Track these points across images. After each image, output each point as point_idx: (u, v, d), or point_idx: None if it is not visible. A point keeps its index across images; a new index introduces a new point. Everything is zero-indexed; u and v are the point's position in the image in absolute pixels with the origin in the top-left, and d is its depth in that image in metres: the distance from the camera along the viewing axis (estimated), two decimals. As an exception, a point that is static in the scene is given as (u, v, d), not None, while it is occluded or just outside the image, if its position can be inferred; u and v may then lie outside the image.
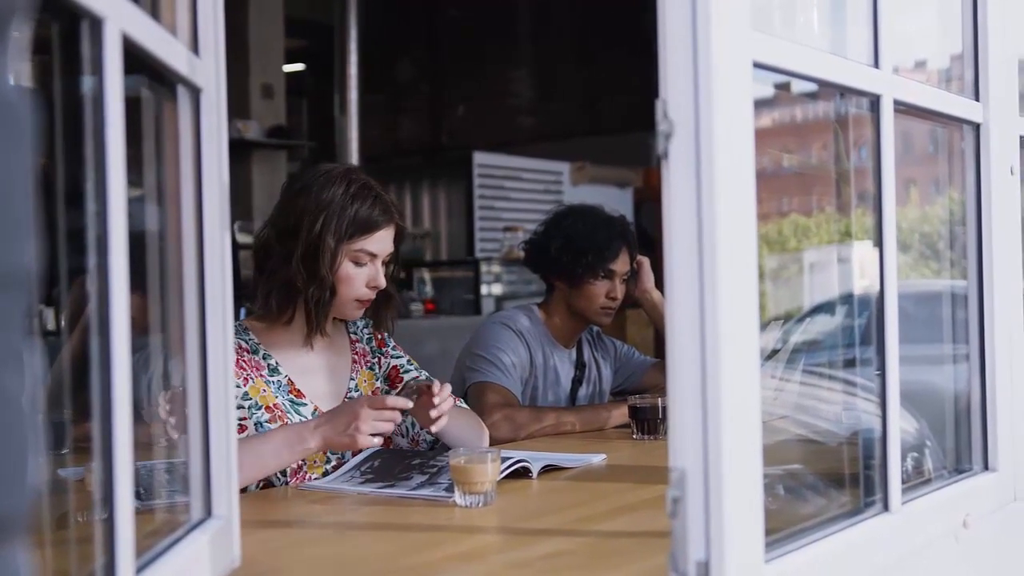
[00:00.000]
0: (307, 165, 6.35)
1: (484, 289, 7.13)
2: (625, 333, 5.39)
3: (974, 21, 1.58)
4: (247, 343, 1.98)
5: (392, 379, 2.15)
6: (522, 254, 2.86)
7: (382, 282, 1.99)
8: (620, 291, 2.68)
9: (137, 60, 0.98)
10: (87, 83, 0.89)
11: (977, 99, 1.58)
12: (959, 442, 1.63)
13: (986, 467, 1.59)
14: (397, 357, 2.18)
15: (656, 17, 1.02)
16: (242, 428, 1.87)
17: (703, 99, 1.00)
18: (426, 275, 7.21)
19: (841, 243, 1.53)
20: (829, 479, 1.46)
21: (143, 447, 1.27)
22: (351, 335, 2.14)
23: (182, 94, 1.17)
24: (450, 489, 1.67)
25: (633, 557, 1.36)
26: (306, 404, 1.99)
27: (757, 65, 1.08)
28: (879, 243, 1.33)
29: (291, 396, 1.98)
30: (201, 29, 1.20)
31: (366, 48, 6.91)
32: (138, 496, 0.97)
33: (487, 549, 1.46)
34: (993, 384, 1.58)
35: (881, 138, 1.33)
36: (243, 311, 2.73)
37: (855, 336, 1.47)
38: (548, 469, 1.93)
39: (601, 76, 8.72)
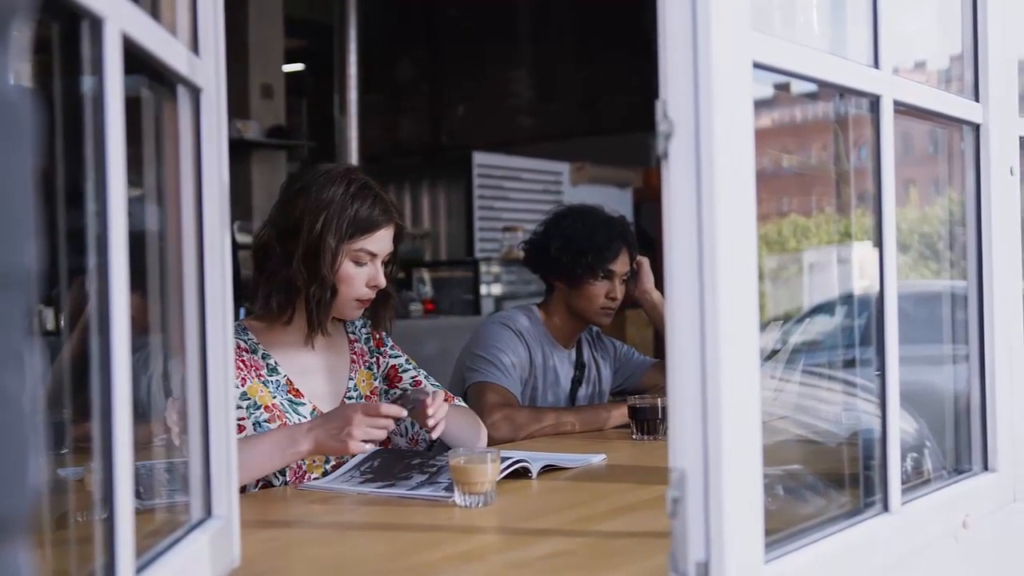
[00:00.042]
0: (307, 165, 6.34)
1: (483, 289, 7.13)
2: (625, 333, 5.39)
3: (974, 22, 1.58)
4: (246, 343, 1.98)
5: (391, 378, 2.15)
6: (522, 254, 2.86)
7: (382, 281, 1.99)
8: (620, 291, 2.68)
9: (137, 60, 0.98)
10: (87, 83, 0.89)
11: (977, 100, 1.58)
12: (959, 442, 1.63)
13: (986, 467, 1.59)
14: (395, 356, 2.18)
15: (656, 17, 1.02)
16: (240, 428, 1.87)
17: (703, 99, 1.00)
18: (425, 275, 7.20)
19: (841, 243, 1.53)
20: (829, 479, 1.46)
21: (143, 447, 1.27)
22: (349, 335, 2.14)
23: (182, 94, 1.17)
24: (450, 488, 1.67)
25: (633, 557, 1.36)
26: (305, 404, 1.99)
27: (757, 65, 1.08)
28: (879, 243, 1.33)
29: (290, 396, 1.98)
30: (201, 29, 1.20)
31: (366, 48, 6.90)
32: (138, 496, 0.97)
33: (487, 549, 1.46)
34: (993, 384, 1.58)
35: (881, 138, 1.33)
36: (242, 311, 2.73)
37: (855, 336, 1.47)
38: (548, 469, 1.93)
39: (601, 76, 8.72)
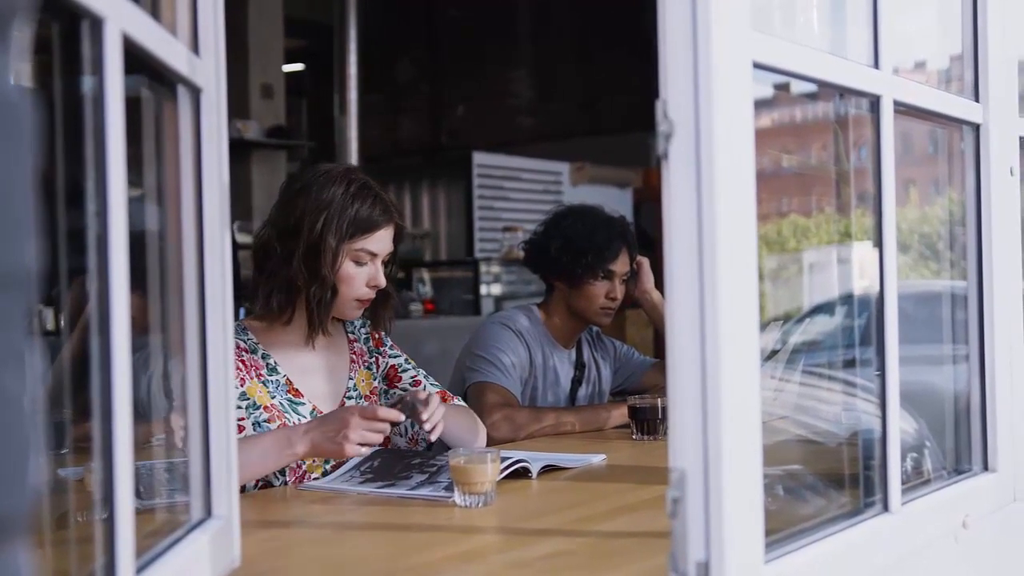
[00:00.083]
0: (307, 165, 6.32)
1: (483, 289, 7.13)
2: (625, 333, 5.39)
3: (974, 22, 1.58)
4: (245, 343, 1.98)
5: (390, 378, 2.15)
6: (522, 254, 2.86)
7: (382, 281, 2.00)
8: (620, 291, 2.68)
9: (137, 60, 0.98)
10: (87, 83, 0.89)
11: (977, 100, 1.58)
12: (959, 443, 1.63)
13: (986, 468, 1.59)
14: (395, 356, 2.18)
15: (656, 17, 1.02)
16: (240, 428, 1.87)
17: (703, 99, 1.00)
18: (425, 275, 7.21)
19: (841, 243, 1.53)
20: (829, 479, 1.46)
21: (143, 447, 1.27)
22: (349, 335, 2.14)
23: (182, 94, 1.17)
24: (450, 488, 1.67)
25: (633, 557, 1.36)
26: (304, 404, 1.99)
27: (757, 65, 1.08)
28: (879, 243, 1.33)
29: (289, 396, 1.98)
30: (201, 29, 1.20)
31: (366, 48, 6.90)
32: (138, 496, 0.97)
33: (487, 549, 1.46)
34: (993, 385, 1.58)
35: (881, 139, 1.33)
36: (242, 311, 2.73)
37: (855, 336, 1.47)
38: (548, 469, 1.93)
39: (601, 76, 8.73)
